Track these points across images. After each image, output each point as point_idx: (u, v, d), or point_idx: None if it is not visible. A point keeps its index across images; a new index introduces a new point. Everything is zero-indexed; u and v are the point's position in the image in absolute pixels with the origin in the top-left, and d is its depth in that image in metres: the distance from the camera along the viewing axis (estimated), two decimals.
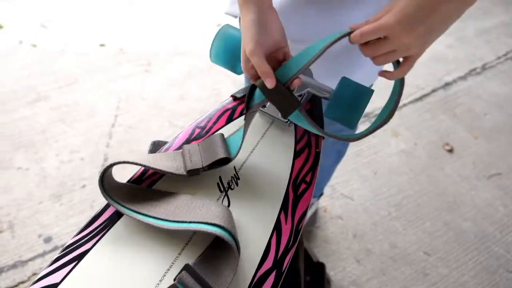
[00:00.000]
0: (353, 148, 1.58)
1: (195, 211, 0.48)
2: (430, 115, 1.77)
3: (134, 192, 0.52)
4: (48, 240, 1.25)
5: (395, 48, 0.45)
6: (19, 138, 1.54)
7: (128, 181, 0.55)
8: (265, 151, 0.61)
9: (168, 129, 1.60)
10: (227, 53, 0.63)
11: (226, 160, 0.54)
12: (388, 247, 1.31)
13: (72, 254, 0.48)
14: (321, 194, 1.34)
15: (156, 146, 0.64)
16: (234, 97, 0.69)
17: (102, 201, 1.35)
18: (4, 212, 1.31)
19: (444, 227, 1.38)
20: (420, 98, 1.84)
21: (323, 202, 1.40)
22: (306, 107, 0.68)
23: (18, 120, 1.60)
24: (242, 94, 0.69)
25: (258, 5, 0.50)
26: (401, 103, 1.81)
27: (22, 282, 1.16)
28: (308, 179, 0.60)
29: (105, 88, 1.77)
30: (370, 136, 1.63)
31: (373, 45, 0.46)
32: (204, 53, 1.91)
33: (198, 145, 0.55)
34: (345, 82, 0.57)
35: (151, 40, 2.05)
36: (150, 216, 0.48)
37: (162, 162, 0.53)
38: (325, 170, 1.15)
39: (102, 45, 2.01)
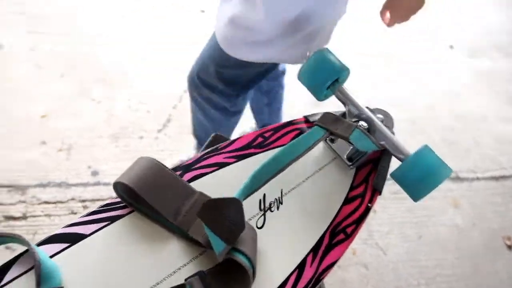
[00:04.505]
0: (405, 201, 1.49)
1: None
2: (501, 199, 1.61)
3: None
4: (95, 173, 1.34)
5: None
6: (103, 72, 1.65)
7: (181, 164, 0.56)
8: (317, 185, 0.59)
9: None
10: (316, 78, 0.61)
11: None
12: None
13: (108, 214, 0.50)
14: None
15: (215, 141, 0.65)
16: (306, 119, 0.67)
17: None
18: (68, 134, 1.41)
19: None
20: (497, 178, 1.69)
21: (354, 244, 1.35)
22: (376, 155, 0.65)
23: (107, 55, 1.71)
24: (315, 119, 0.67)
25: None
26: (474, 176, 1.66)
27: (60, 202, 1.25)
28: (349, 230, 0.57)
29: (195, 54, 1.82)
30: (428, 197, 1.53)
31: None
32: None
33: None
34: (425, 152, 0.53)
35: None
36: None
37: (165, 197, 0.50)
38: None
39: (202, 11, 2.06)
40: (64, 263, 0.45)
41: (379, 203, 1.47)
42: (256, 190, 0.49)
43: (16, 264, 0.45)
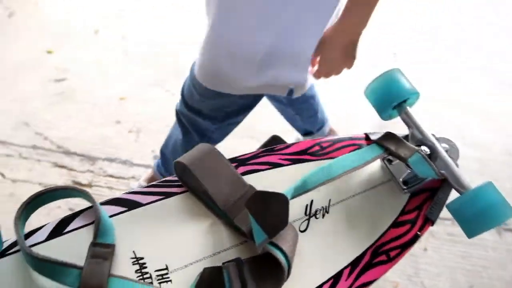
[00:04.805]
0: (461, 246, 1.38)
1: None
2: None
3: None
4: (156, 157, 1.42)
5: None
6: (180, 66, 1.75)
7: (238, 157, 0.59)
8: (367, 202, 0.58)
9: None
10: (384, 96, 0.61)
11: None
12: None
13: (165, 189, 0.54)
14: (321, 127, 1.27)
15: (273, 141, 0.67)
16: (367, 136, 0.66)
17: None
18: (140, 118, 1.53)
19: None
20: None
21: (397, 277, 1.28)
22: (433, 184, 0.62)
23: (185, 52, 1.81)
24: (376, 138, 0.66)
25: None
26: None
27: (122, 178, 1.36)
28: (392, 254, 0.55)
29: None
30: (489, 247, 1.41)
31: None
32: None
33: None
34: (488, 187, 0.50)
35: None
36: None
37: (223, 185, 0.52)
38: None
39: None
40: (119, 224, 0.50)
41: (432, 242, 1.38)
42: (304, 192, 0.50)
43: (79, 217, 0.51)
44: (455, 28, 2.15)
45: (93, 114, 1.54)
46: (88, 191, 0.50)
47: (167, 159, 1.16)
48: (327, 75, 0.82)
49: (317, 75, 0.82)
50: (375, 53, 1.94)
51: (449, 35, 2.11)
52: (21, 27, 1.93)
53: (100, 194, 1.32)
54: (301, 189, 0.50)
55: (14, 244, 0.47)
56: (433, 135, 0.60)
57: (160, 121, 1.54)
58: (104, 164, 1.39)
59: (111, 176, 1.36)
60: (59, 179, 1.35)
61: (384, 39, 2.01)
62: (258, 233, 0.44)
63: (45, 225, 0.50)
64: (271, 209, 0.44)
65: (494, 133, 1.78)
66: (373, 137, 0.66)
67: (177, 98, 1.62)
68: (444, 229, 1.39)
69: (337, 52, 0.77)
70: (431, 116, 1.70)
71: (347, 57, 0.78)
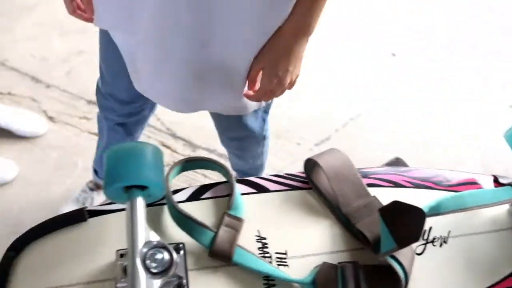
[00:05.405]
0: None
1: None
2: None
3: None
4: None
5: None
6: None
7: (358, 168, 0.61)
8: (488, 244, 0.56)
9: None
10: None
11: None
12: None
13: (290, 182, 0.58)
14: None
15: (395, 163, 0.68)
16: (495, 179, 0.64)
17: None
18: None
19: None
20: None
21: None
22: None
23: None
24: (507, 181, 0.63)
25: None
26: None
27: None
28: None
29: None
30: None
31: None
32: None
33: None
34: None
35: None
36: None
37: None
38: None
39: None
40: (247, 203, 0.55)
41: None
42: (436, 215, 0.50)
43: (215, 188, 0.57)
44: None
45: None
46: (227, 167, 0.55)
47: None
48: (271, 94, 0.64)
49: (257, 97, 0.65)
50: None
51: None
52: None
53: (194, 179, 1.42)
54: (435, 210, 0.50)
55: None
56: None
57: None
58: (203, 152, 1.49)
59: None
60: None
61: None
62: (387, 242, 0.46)
63: (186, 188, 0.57)
64: (406, 221, 0.45)
65: None
66: (502, 180, 0.63)
67: (282, 107, 1.68)
68: None
69: (281, 59, 0.59)
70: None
71: (292, 70, 0.61)
